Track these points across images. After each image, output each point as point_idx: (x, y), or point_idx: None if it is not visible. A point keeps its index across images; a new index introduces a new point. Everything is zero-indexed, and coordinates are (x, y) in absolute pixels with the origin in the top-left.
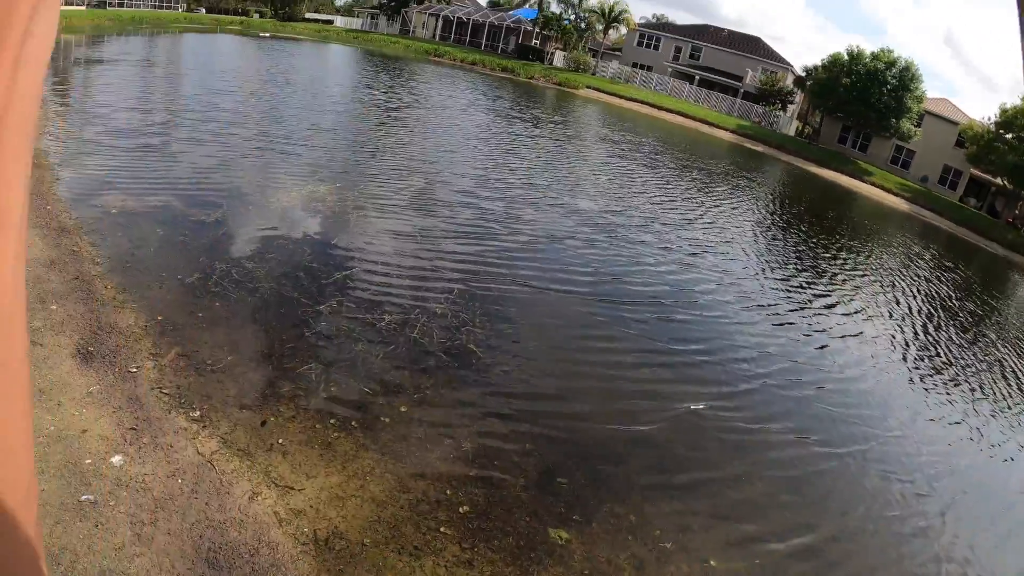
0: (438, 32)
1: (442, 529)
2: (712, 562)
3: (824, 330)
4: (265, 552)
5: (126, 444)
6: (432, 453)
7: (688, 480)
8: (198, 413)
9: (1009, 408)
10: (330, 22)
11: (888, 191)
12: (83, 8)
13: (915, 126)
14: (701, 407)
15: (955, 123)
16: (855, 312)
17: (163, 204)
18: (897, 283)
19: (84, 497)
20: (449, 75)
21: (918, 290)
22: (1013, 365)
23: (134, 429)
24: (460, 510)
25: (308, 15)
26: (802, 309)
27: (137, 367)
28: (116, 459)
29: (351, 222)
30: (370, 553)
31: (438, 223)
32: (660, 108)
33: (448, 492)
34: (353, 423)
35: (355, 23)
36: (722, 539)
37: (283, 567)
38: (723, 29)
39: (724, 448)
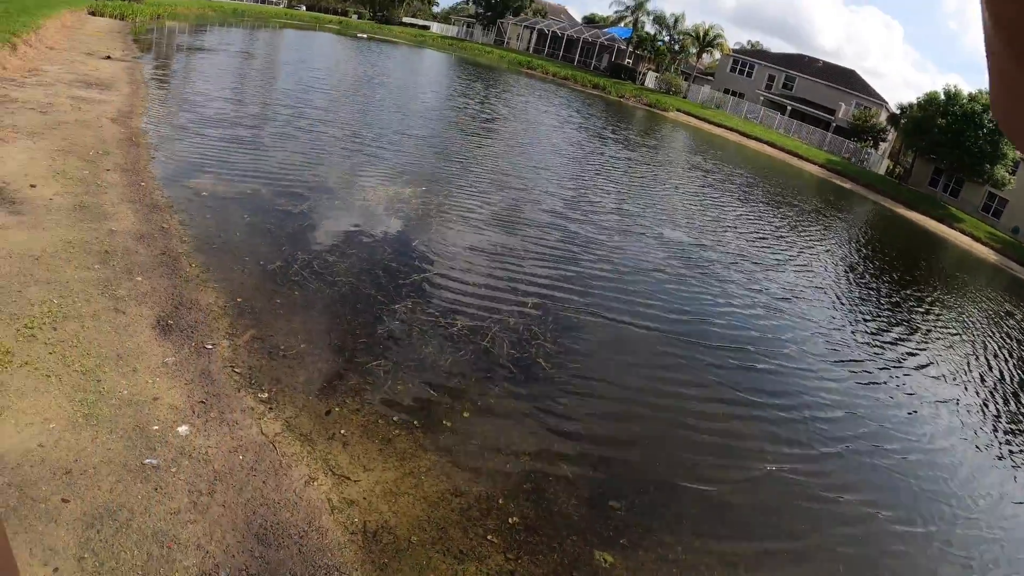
0: (532, 45)
1: (489, 537)
2: None
3: (914, 393)
4: (314, 536)
5: (194, 416)
6: (489, 462)
7: (746, 534)
8: (266, 395)
9: None
10: (427, 28)
11: (977, 240)
12: None
13: (1010, 173)
14: (772, 467)
15: None
16: (948, 375)
17: (252, 192)
18: (988, 344)
19: (148, 461)
20: (541, 88)
21: (1010, 353)
22: None
23: (203, 403)
24: (509, 521)
25: (405, 19)
26: (892, 368)
27: (213, 344)
28: (182, 429)
29: (433, 227)
30: (416, 551)
31: (521, 239)
32: (749, 137)
33: (500, 502)
34: (415, 422)
35: (451, 30)
36: None
37: (329, 552)
38: (818, 60)
39: (790, 511)
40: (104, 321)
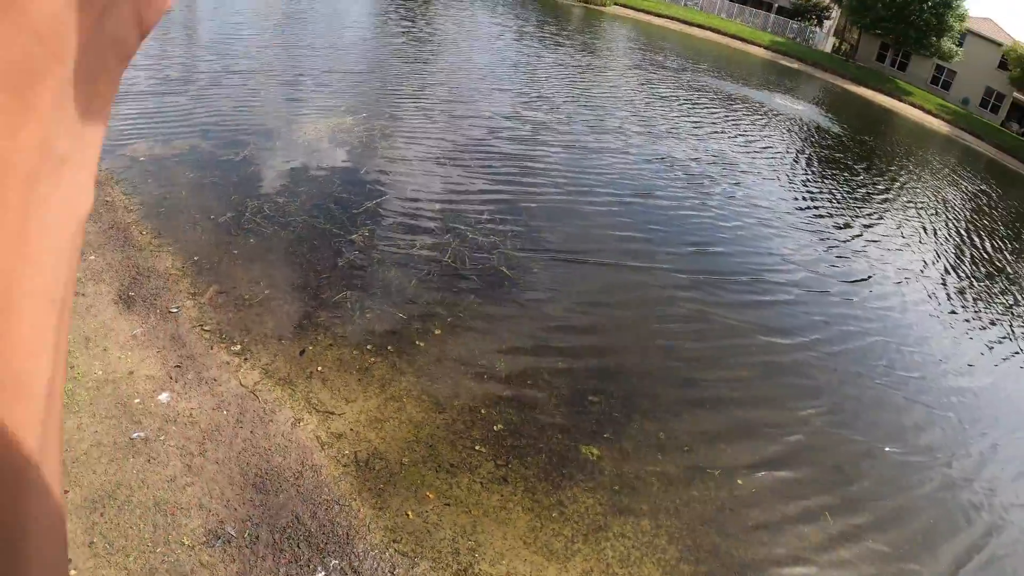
0: None
1: (477, 447)
2: (739, 481)
3: (878, 267)
4: (309, 475)
5: (172, 381)
6: (466, 375)
7: (721, 409)
8: (239, 347)
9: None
10: None
11: (928, 112)
12: None
13: (956, 46)
14: (740, 342)
15: (999, 44)
16: (909, 244)
17: (190, 147)
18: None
19: (135, 435)
20: None
21: (977, 225)
22: None
23: (178, 367)
24: (494, 428)
25: None
26: (860, 242)
27: (177, 307)
28: (163, 396)
29: (379, 151)
30: (408, 472)
31: (470, 152)
32: (692, 24)
33: (483, 411)
34: (389, 348)
35: None
36: (749, 459)
37: (326, 488)
38: None
39: (761, 382)
40: None
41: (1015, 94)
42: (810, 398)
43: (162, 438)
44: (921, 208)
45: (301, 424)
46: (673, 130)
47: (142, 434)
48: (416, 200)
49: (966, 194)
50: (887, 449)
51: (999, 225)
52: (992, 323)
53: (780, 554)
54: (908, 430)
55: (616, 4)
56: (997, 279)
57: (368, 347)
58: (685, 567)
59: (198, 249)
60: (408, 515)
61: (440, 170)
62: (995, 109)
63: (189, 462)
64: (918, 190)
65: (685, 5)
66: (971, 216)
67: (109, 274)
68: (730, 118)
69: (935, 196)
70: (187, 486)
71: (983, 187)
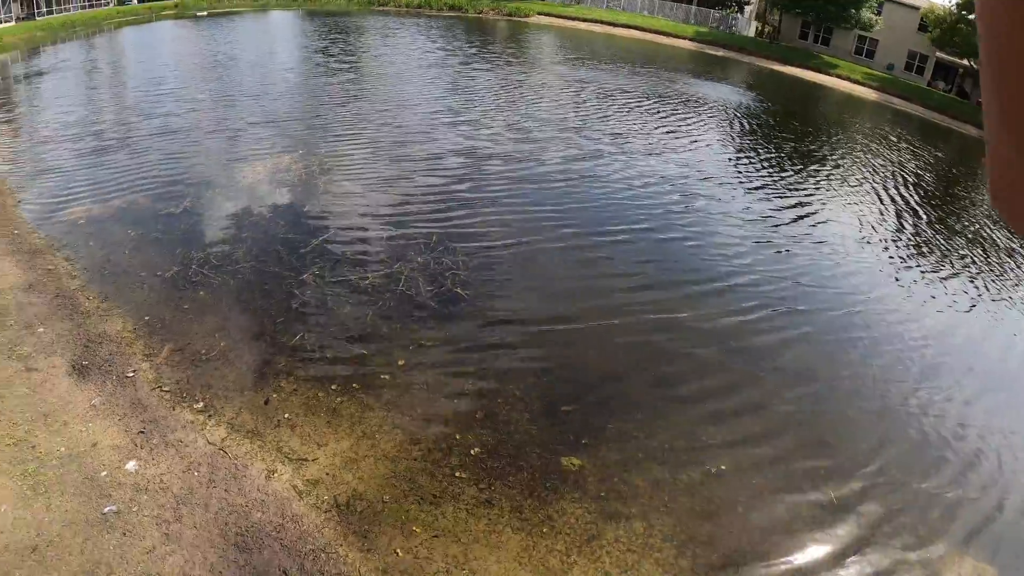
0: None
1: (457, 474)
2: (723, 466)
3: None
4: (290, 527)
5: (137, 448)
6: (436, 401)
7: (694, 401)
8: (201, 404)
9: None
10: None
11: (855, 82)
12: (12, 24)
13: (875, 15)
14: (706, 325)
15: (916, 8)
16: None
17: (129, 204)
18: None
19: (107, 509)
20: (397, 24)
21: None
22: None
23: (142, 432)
24: (471, 452)
25: None
26: (794, 220)
27: (134, 371)
28: (130, 465)
29: (320, 187)
30: (391, 509)
31: (408, 178)
32: (616, 25)
33: (457, 436)
34: (354, 385)
35: None
36: (728, 442)
37: (310, 537)
38: None
39: (727, 368)
40: (19, 385)
41: (937, 54)
42: (779, 374)
43: (135, 509)
44: (857, 172)
45: (275, 475)
46: (606, 130)
47: (114, 507)
48: (363, 231)
49: (900, 153)
50: (860, 406)
51: (931, 177)
52: (934, 270)
53: (774, 529)
54: (883, 396)
55: (539, 14)
56: (936, 230)
57: (333, 387)
58: (684, 562)
59: (148, 308)
60: (397, 553)
61: (385, 199)
62: (920, 71)
63: (166, 530)
64: (852, 156)
65: (607, 7)
66: (905, 172)
67: (60, 345)
68: (662, 112)
69: (870, 159)
70: (168, 555)
71: (915, 145)
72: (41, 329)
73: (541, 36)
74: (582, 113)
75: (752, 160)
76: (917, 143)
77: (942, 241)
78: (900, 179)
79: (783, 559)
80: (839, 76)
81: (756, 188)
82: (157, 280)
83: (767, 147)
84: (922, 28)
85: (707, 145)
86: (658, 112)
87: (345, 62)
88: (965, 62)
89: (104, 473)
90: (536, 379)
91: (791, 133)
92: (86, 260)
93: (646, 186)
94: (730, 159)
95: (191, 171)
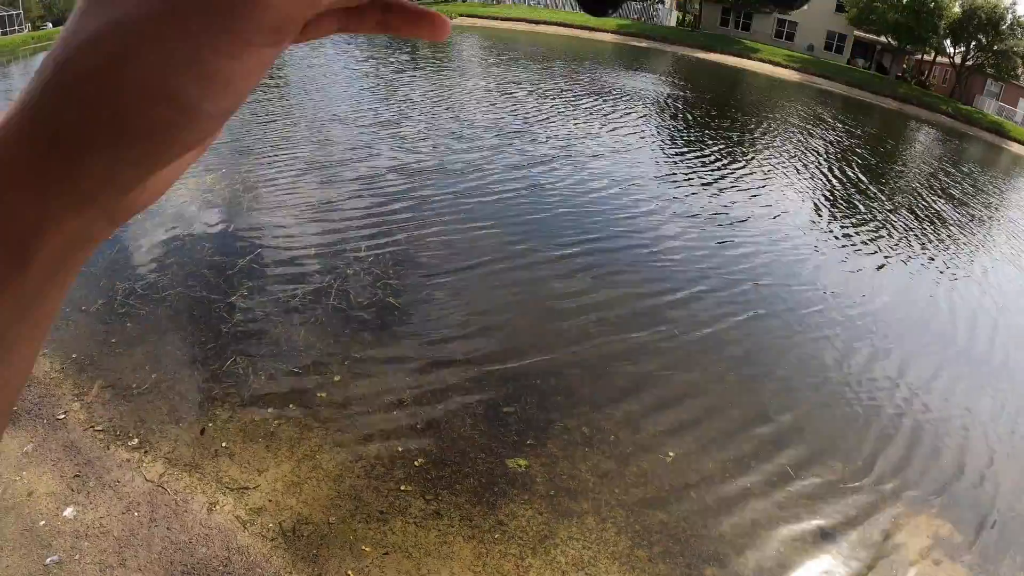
0: None
1: (403, 487)
2: (671, 452)
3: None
4: (237, 559)
5: (74, 493)
6: (376, 415)
7: (635, 391)
8: (136, 440)
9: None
10: None
11: (778, 64)
12: None
13: None
14: (642, 318)
15: None
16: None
17: None
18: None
19: (49, 560)
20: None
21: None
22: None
23: (78, 476)
24: (416, 463)
25: None
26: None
27: (64, 412)
28: (68, 512)
29: (244, 205)
30: (339, 530)
31: (332, 188)
32: (539, 22)
33: (400, 449)
34: (291, 406)
35: None
36: (672, 428)
37: (259, 568)
38: None
39: (667, 355)
40: None
41: (855, 32)
42: (717, 353)
43: (77, 557)
44: (784, 151)
45: (217, 507)
46: (530, 128)
47: (56, 557)
48: (290, 248)
49: (824, 129)
50: (805, 381)
51: (858, 151)
52: (865, 243)
53: (726, 509)
54: (821, 363)
55: (462, 15)
56: (867, 202)
57: (269, 410)
58: (640, 552)
59: (74, 345)
60: (349, 574)
61: (310, 213)
62: (839, 50)
63: None
64: (778, 136)
65: (529, 4)
66: (831, 148)
67: None
68: (603, 109)
69: (796, 138)
70: None
71: (839, 121)
72: None
73: (468, 38)
74: (521, 116)
75: (697, 153)
76: (842, 119)
77: (866, 209)
78: (824, 151)
79: (741, 538)
80: (761, 60)
81: (684, 173)
82: (82, 315)
83: (713, 137)
84: (839, 9)
85: (651, 141)
86: (599, 110)
87: (274, 77)
88: (882, 39)
89: (43, 522)
90: (475, 383)
91: (727, 119)
92: None
93: (594, 191)
94: (678, 153)
95: None
